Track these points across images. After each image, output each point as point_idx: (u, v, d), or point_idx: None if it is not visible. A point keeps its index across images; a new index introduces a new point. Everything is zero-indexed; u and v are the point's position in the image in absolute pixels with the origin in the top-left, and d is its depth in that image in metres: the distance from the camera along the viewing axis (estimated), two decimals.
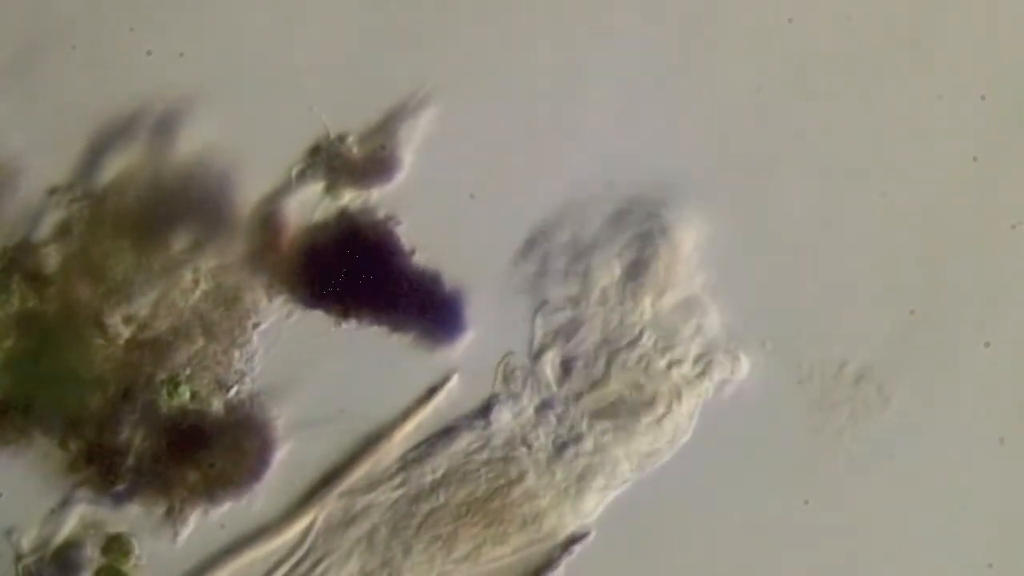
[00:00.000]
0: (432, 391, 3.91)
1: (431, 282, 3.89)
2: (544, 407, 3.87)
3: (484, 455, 3.88)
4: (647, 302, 3.87)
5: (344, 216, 3.91)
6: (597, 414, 3.87)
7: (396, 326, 3.89)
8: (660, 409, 3.86)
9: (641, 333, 3.87)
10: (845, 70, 3.97)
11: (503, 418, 3.87)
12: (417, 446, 3.91)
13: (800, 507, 3.93)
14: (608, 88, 3.96)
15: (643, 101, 3.96)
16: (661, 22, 3.97)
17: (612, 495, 3.89)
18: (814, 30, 3.97)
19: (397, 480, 3.89)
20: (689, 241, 3.88)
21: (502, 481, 3.87)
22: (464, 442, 3.89)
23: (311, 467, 3.91)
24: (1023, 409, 3.95)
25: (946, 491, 3.93)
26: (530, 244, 3.92)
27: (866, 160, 3.96)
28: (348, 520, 3.89)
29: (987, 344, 3.94)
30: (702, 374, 3.87)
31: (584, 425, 3.86)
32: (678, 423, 3.87)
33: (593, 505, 3.88)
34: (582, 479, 3.87)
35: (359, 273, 3.89)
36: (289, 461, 3.90)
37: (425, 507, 3.88)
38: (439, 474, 3.88)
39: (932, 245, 3.96)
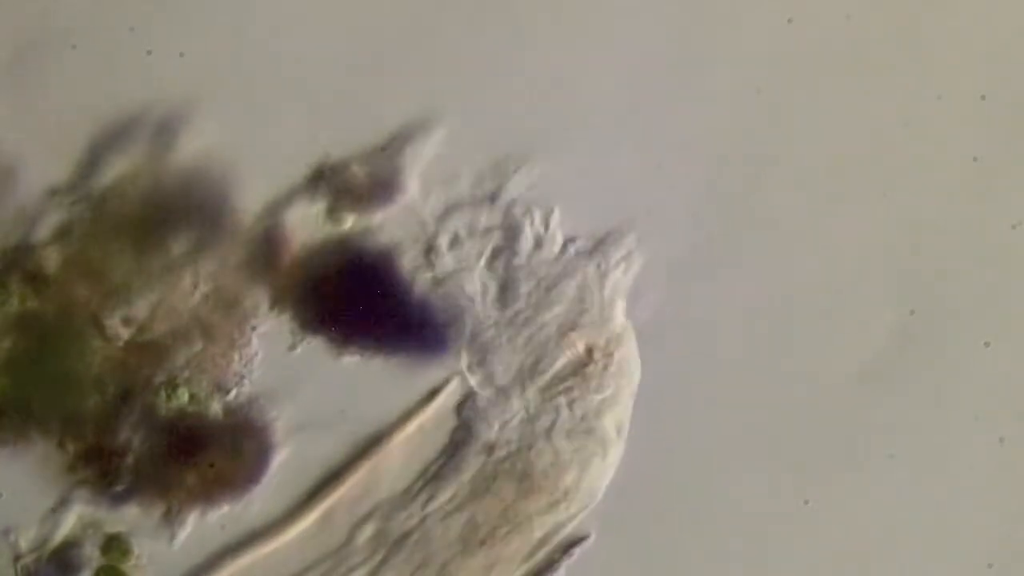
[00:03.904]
0: (433, 393, 3.91)
1: (424, 311, 3.89)
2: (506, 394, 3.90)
3: (494, 460, 3.89)
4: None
5: (345, 239, 3.90)
6: (549, 392, 3.88)
7: (382, 351, 3.89)
8: (600, 360, 3.87)
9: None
10: (845, 70, 3.97)
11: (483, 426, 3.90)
12: (430, 466, 3.92)
13: (800, 507, 3.93)
14: (609, 90, 3.96)
15: (644, 103, 3.95)
16: (661, 23, 3.97)
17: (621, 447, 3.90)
18: (814, 30, 3.98)
19: (424, 497, 3.91)
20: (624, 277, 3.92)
21: (522, 473, 3.89)
22: (471, 456, 3.90)
23: (311, 470, 3.91)
24: (1023, 409, 3.95)
25: (946, 491, 3.93)
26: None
27: (866, 160, 3.96)
28: (385, 541, 3.91)
29: (987, 344, 3.95)
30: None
31: (549, 406, 3.88)
32: (625, 363, 3.89)
33: (602, 468, 3.90)
34: (582, 449, 3.89)
35: (356, 297, 3.88)
36: (289, 464, 3.90)
37: (458, 522, 3.90)
38: (464, 491, 3.90)
39: (932, 245, 3.97)
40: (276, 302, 3.89)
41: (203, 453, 3.86)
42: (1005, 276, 3.96)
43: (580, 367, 3.90)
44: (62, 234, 3.89)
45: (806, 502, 3.93)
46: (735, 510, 3.92)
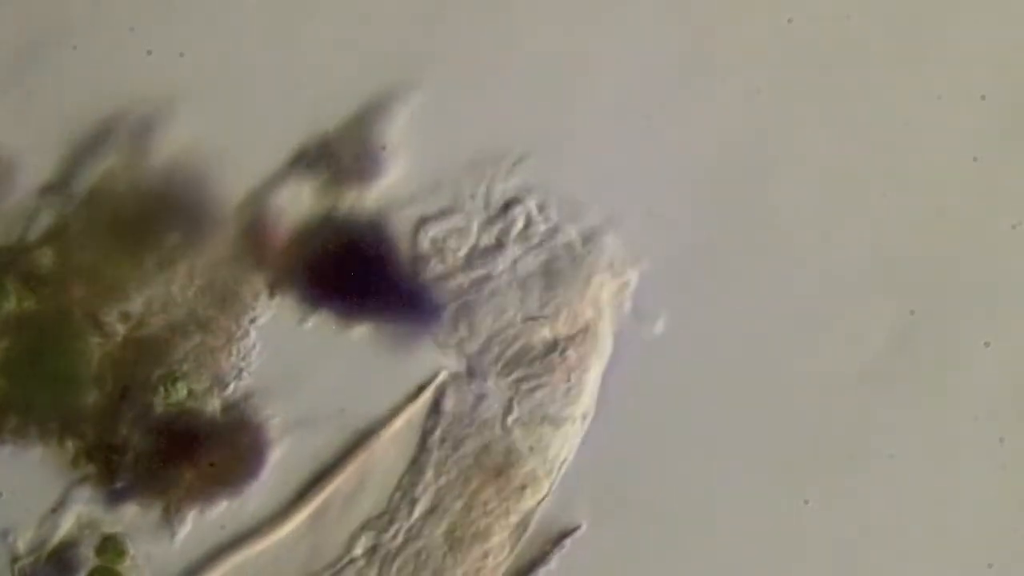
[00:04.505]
0: (421, 388, 3.91)
1: (416, 280, 3.90)
2: (475, 375, 3.91)
3: (463, 449, 3.91)
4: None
5: (334, 214, 3.91)
6: (513, 377, 3.90)
7: (378, 321, 3.89)
8: (566, 350, 3.89)
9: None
10: (845, 70, 3.97)
11: (451, 402, 3.91)
12: (409, 467, 3.92)
13: (800, 507, 3.93)
14: (609, 90, 3.96)
15: (644, 102, 3.96)
16: (661, 22, 3.97)
17: (575, 438, 3.91)
18: (814, 30, 3.98)
19: (405, 508, 3.91)
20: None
21: (489, 462, 3.90)
22: (437, 445, 3.91)
23: (308, 466, 3.91)
24: (1023, 409, 3.95)
25: (946, 491, 3.93)
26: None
27: (866, 160, 3.96)
28: (387, 556, 3.92)
29: (987, 344, 3.94)
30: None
31: (511, 392, 3.90)
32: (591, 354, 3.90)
33: (564, 449, 3.91)
34: (541, 437, 3.89)
35: (349, 270, 3.89)
36: (286, 460, 3.90)
37: (440, 524, 3.91)
38: (438, 490, 3.91)
39: (932, 245, 3.96)
40: (272, 285, 3.89)
41: (202, 449, 3.86)
42: (1005, 276, 3.96)
43: (545, 355, 3.91)
44: (56, 233, 3.90)
45: (806, 502, 3.93)
46: (735, 510, 3.92)
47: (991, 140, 3.97)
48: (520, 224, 3.93)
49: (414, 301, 3.90)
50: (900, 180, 3.96)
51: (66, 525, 3.88)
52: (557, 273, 3.92)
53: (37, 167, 3.92)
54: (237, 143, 3.91)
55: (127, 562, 3.88)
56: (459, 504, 3.91)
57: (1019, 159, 3.97)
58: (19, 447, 3.87)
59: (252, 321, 3.90)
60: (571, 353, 3.91)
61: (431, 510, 3.91)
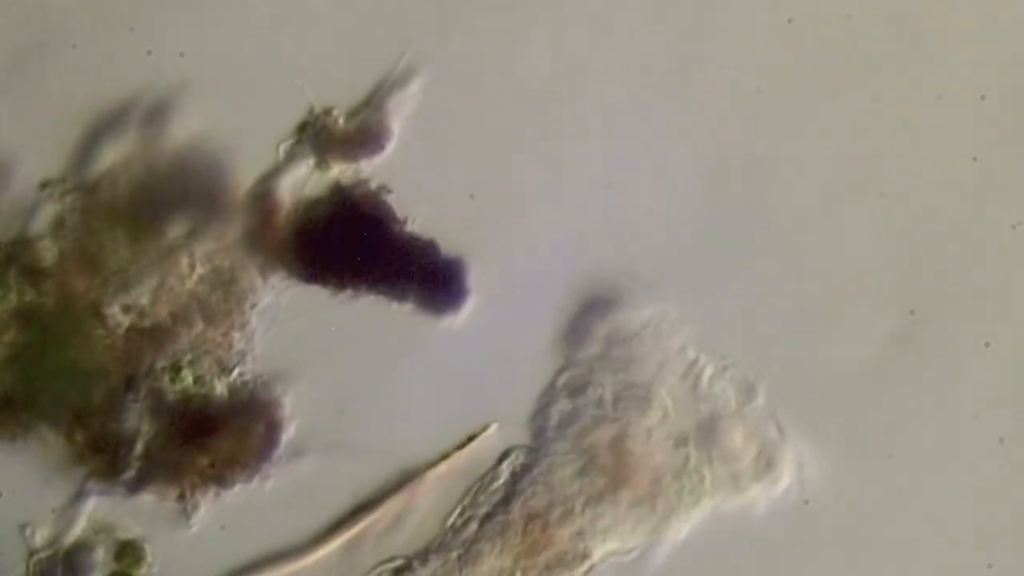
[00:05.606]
0: (470, 438, 3.89)
1: (428, 251, 3.89)
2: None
3: (511, 515, 3.88)
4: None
5: (336, 190, 3.91)
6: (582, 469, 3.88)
7: (396, 296, 3.89)
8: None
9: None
10: (845, 70, 3.97)
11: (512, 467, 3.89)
12: (454, 516, 3.91)
13: (800, 507, 3.93)
14: (608, 90, 3.96)
15: (644, 102, 3.96)
16: (661, 21, 3.97)
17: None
18: (814, 30, 3.98)
19: (439, 551, 3.89)
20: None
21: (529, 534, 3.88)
22: (488, 503, 3.88)
23: (312, 465, 3.91)
24: (1023, 409, 3.95)
25: (946, 491, 3.93)
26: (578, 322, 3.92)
27: (865, 160, 3.96)
28: None
29: (987, 344, 3.94)
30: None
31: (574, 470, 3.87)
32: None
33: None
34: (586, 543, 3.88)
35: (355, 245, 3.89)
36: (322, 486, 3.90)
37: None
38: (475, 540, 3.88)
39: (932, 245, 3.96)
40: (274, 267, 3.88)
41: (212, 433, 3.86)
42: (1005, 276, 3.96)
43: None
44: (57, 226, 3.90)
45: (806, 502, 3.93)
46: (735, 510, 3.92)
47: (991, 140, 3.97)
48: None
49: (426, 274, 3.89)
50: (900, 180, 3.96)
51: (82, 521, 3.88)
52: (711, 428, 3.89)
53: (36, 166, 3.93)
54: (238, 143, 3.92)
55: (144, 569, 3.88)
56: (490, 560, 3.87)
57: (1019, 159, 3.97)
58: (27, 442, 3.87)
59: (254, 306, 3.90)
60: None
61: (464, 560, 3.88)
